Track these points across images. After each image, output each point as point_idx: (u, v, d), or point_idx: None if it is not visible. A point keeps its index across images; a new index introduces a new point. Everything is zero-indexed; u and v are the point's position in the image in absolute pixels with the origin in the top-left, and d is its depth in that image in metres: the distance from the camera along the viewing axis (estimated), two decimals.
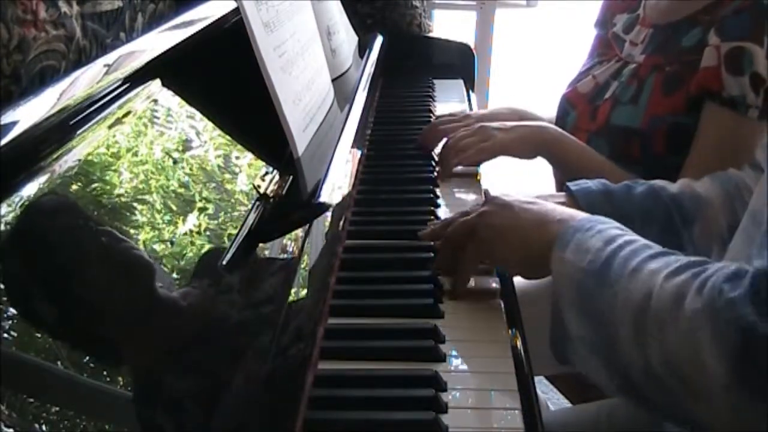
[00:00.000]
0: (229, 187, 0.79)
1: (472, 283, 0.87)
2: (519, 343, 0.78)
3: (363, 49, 1.55)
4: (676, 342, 0.58)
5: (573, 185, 0.94)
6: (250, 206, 0.78)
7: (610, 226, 0.72)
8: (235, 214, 0.76)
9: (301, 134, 0.94)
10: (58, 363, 0.48)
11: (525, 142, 1.14)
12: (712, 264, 0.61)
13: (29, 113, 0.57)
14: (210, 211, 0.72)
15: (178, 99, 0.80)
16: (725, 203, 0.91)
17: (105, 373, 0.51)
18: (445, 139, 1.22)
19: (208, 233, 0.70)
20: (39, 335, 0.48)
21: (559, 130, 1.17)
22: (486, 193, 1.16)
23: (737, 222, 0.89)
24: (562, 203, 0.91)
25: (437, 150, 1.24)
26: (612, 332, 0.64)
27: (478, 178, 1.20)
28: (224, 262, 0.68)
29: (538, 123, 1.18)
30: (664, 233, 0.90)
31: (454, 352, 0.76)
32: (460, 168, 1.17)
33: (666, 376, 0.60)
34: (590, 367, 0.68)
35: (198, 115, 0.82)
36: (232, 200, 0.77)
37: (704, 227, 0.90)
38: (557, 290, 0.72)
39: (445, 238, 0.88)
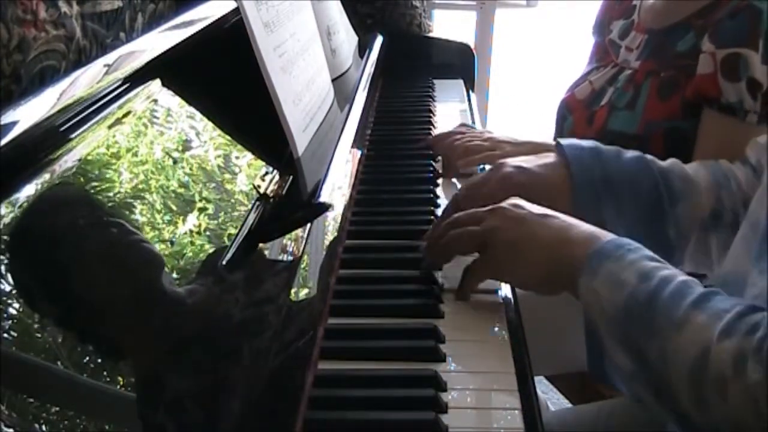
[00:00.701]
0: (229, 187, 0.79)
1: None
2: (519, 343, 0.78)
3: (363, 49, 1.55)
4: (740, 408, 0.58)
5: (564, 142, 0.93)
6: (250, 206, 0.78)
7: (640, 255, 0.69)
8: (235, 214, 0.76)
9: (301, 134, 0.94)
10: (58, 363, 0.48)
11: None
12: (758, 311, 0.61)
13: (29, 113, 0.57)
14: (210, 211, 0.72)
15: (178, 99, 0.80)
16: (712, 189, 0.90)
17: (105, 373, 0.51)
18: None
19: (208, 233, 0.70)
20: (39, 335, 0.48)
21: None
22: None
23: (721, 210, 0.89)
24: (553, 163, 0.91)
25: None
26: (666, 381, 0.63)
27: None
28: (224, 263, 0.68)
29: (546, 142, 1.18)
30: (650, 208, 0.89)
31: (454, 352, 0.76)
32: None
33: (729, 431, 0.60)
34: (640, 395, 0.67)
35: (198, 115, 0.82)
36: (232, 200, 0.77)
37: (687, 210, 0.90)
38: (591, 319, 0.70)
39: (447, 240, 0.84)
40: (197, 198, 0.72)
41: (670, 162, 0.94)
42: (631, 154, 0.93)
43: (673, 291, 0.65)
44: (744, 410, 0.58)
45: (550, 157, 0.93)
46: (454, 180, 1.18)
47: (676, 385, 0.62)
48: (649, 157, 0.94)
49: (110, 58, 0.72)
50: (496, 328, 0.81)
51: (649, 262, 0.69)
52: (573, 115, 1.24)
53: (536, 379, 0.81)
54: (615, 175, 0.90)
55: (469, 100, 1.62)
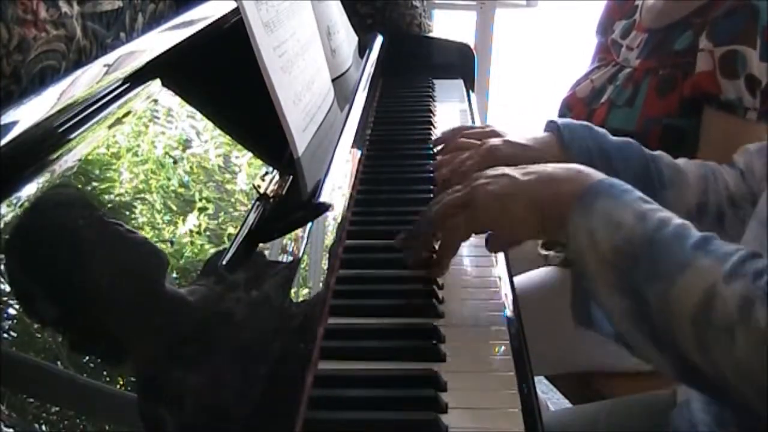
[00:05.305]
0: (229, 187, 0.79)
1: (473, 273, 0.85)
2: (519, 343, 0.78)
3: (363, 49, 1.55)
4: (747, 352, 0.57)
5: (556, 119, 0.93)
6: (250, 206, 0.78)
7: (635, 197, 0.68)
8: (235, 214, 0.76)
9: (301, 134, 0.94)
10: (58, 363, 0.48)
11: None
12: (758, 257, 0.60)
13: (29, 113, 0.57)
14: (210, 211, 0.72)
15: (178, 99, 0.80)
16: (699, 183, 0.90)
17: (105, 373, 0.51)
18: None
19: (208, 233, 0.70)
20: (39, 335, 0.48)
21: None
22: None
23: (706, 204, 0.89)
24: (543, 137, 0.91)
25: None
26: (666, 322, 0.61)
27: None
28: (224, 263, 0.68)
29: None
30: (642, 186, 0.88)
31: (453, 353, 0.76)
32: None
33: (734, 378, 0.59)
34: (630, 335, 0.66)
35: (198, 114, 0.82)
36: (232, 200, 0.77)
37: (676, 198, 0.89)
38: (581, 259, 0.68)
39: (430, 221, 0.80)
40: (197, 198, 0.72)
41: (658, 152, 0.94)
42: (618, 138, 0.93)
43: (672, 233, 0.64)
44: (752, 356, 0.57)
45: (539, 133, 0.92)
46: None
47: (678, 326, 0.60)
48: (636, 142, 0.94)
49: (110, 58, 0.72)
50: (496, 328, 0.81)
51: (644, 203, 0.68)
52: (573, 113, 1.25)
53: (536, 379, 0.81)
54: (609, 148, 0.89)
55: (469, 100, 1.62)
